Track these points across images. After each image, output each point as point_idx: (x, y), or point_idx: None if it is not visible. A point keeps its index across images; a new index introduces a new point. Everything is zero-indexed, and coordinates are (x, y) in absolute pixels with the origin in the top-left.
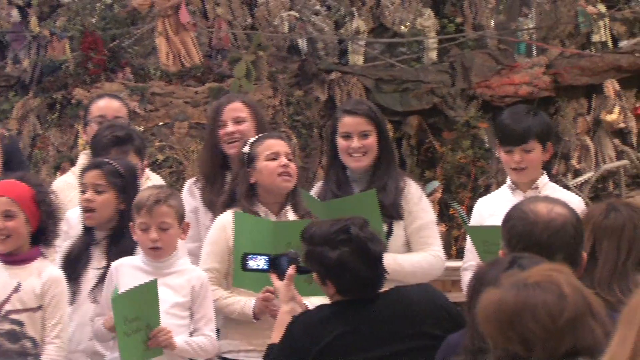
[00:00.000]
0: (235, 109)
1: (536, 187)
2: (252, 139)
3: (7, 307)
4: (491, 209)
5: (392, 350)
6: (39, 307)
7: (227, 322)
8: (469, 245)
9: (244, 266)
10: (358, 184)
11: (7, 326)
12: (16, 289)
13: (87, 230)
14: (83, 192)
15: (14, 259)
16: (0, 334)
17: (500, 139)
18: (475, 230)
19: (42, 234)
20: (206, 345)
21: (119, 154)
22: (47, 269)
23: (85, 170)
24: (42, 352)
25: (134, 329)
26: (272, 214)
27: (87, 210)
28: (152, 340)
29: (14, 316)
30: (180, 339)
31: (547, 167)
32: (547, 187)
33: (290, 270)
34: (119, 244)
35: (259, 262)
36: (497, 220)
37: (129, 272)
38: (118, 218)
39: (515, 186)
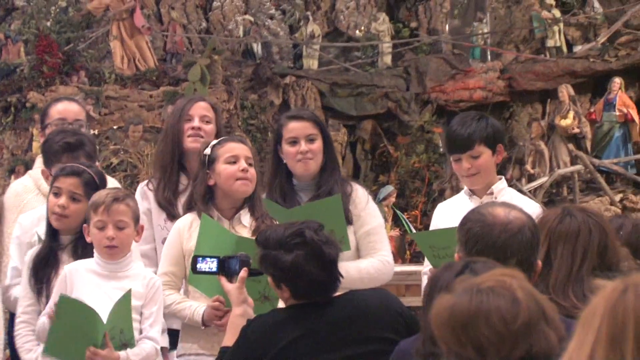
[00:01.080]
0: (204, 107)
1: (491, 193)
2: (214, 141)
3: None
4: (449, 215)
5: (346, 354)
6: None
7: (183, 325)
8: None
9: (193, 268)
10: (305, 192)
11: None
12: None
13: (54, 235)
14: (56, 194)
15: None
16: None
17: (448, 148)
18: (420, 236)
19: None
20: (148, 352)
21: (70, 159)
22: None
23: (62, 174)
24: None
25: (110, 337)
26: (225, 219)
27: (59, 215)
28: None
29: None
30: (122, 353)
31: (501, 172)
32: (503, 192)
33: (243, 272)
34: (86, 247)
35: (210, 265)
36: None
37: (83, 275)
38: (82, 223)
39: (472, 192)
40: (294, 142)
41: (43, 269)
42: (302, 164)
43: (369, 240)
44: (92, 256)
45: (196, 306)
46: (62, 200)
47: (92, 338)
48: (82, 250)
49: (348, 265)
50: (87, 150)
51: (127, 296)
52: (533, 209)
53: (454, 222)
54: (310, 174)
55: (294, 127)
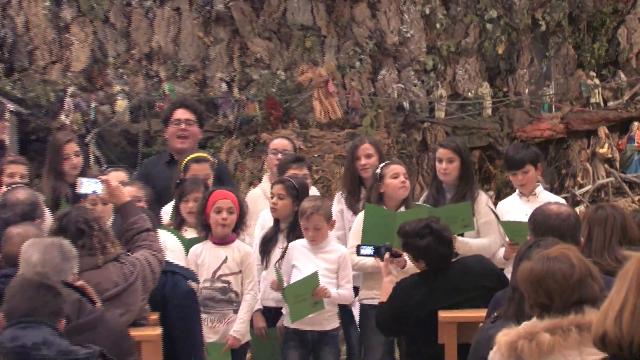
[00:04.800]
0: (366, 148)
1: (535, 194)
2: (382, 164)
3: (219, 272)
4: (507, 208)
5: (461, 299)
6: (240, 271)
7: (362, 280)
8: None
9: (357, 252)
10: (449, 192)
11: (219, 284)
12: (225, 260)
13: (276, 222)
14: (271, 196)
15: (224, 241)
16: (216, 290)
17: (507, 167)
18: (505, 224)
19: (237, 226)
20: (347, 295)
21: (297, 167)
22: (243, 247)
23: (274, 183)
24: (242, 299)
25: (301, 299)
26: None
27: (272, 209)
28: (316, 295)
29: (224, 278)
30: (333, 291)
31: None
32: (542, 193)
33: (386, 255)
34: (294, 231)
35: (367, 251)
36: (512, 217)
37: (299, 249)
38: (294, 215)
39: (522, 194)
40: (440, 160)
41: (267, 244)
42: (443, 176)
43: (486, 228)
44: (298, 238)
45: (373, 261)
46: (274, 199)
47: (310, 292)
48: (293, 233)
49: (471, 242)
50: (307, 163)
51: (314, 275)
52: (559, 199)
53: (511, 212)
54: (449, 182)
55: (440, 152)
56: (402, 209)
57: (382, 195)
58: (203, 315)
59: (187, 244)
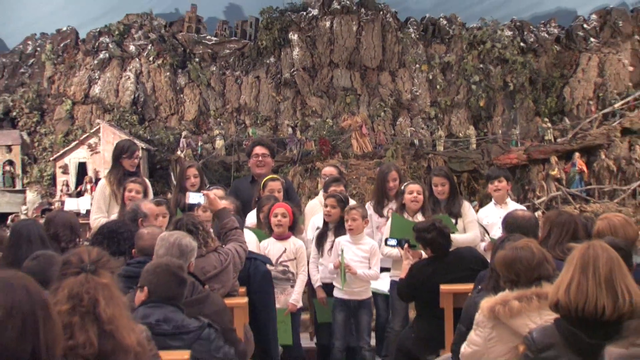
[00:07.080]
0: (394, 174)
1: (506, 203)
2: (405, 183)
3: (280, 259)
4: (486, 213)
5: (456, 276)
6: (295, 258)
7: (393, 264)
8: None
9: (385, 243)
10: (442, 203)
11: (280, 268)
12: (284, 251)
13: (326, 224)
14: (325, 206)
15: (282, 237)
16: (278, 272)
17: (488, 178)
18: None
19: (292, 227)
20: (372, 274)
21: (336, 185)
22: (297, 241)
23: (327, 197)
24: (297, 278)
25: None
26: (409, 217)
27: (327, 215)
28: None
29: (284, 263)
30: (360, 271)
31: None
32: (510, 203)
33: (405, 246)
34: (339, 230)
35: (392, 242)
36: (490, 220)
37: (344, 243)
38: (340, 219)
39: (497, 202)
40: (435, 185)
41: (321, 240)
42: (439, 195)
43: (470, 226)
44: (342, 234)
45: (397, 251)
46: (328, 208)
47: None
48: (338, 231)
49: (459, 236)
50: (343, 182)
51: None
52: (522, 207)
53: (488, 217)
54: (442, 200)
55: (435, 179)
56: (419, 214)
57: (404, 205)
58: None
59: (262, 237)
